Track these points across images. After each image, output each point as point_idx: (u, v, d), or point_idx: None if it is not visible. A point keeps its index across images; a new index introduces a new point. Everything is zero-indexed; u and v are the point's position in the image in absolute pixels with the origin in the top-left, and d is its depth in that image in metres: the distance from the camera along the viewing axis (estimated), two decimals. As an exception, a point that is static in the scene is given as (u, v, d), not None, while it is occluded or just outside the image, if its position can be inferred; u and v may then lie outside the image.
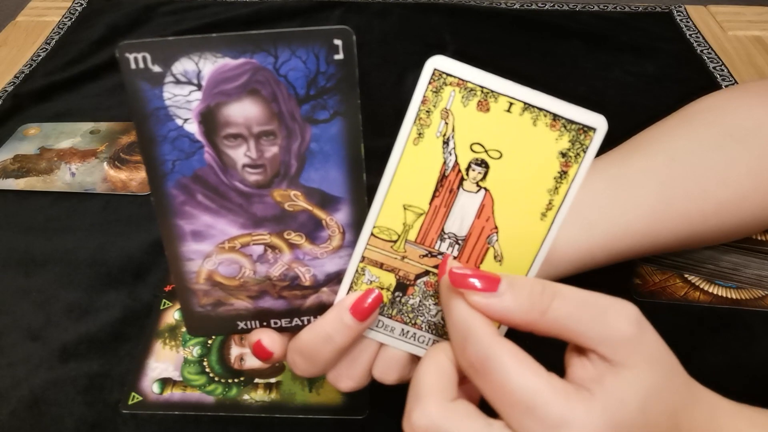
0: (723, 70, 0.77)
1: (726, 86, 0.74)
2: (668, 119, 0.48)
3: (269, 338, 0.35)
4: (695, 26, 0.85)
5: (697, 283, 0.53)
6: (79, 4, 0.93)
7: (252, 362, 0.49)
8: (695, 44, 0.82)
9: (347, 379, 0.36)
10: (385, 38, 0.84)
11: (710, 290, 0.52)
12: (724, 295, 0.52)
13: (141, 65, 0.30)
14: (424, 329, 0.35)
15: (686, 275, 0.53)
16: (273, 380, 0.47)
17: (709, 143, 0.45)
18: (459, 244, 0.33)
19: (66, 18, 0.90)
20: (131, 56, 0.30)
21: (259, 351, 0.35)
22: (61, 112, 0.74)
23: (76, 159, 0.67)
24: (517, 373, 0.28)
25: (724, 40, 0.83)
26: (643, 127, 0.48)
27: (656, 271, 0.54)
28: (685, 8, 0.89)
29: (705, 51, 0.81)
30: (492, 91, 0.31)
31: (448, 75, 0.31)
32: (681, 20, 0.87)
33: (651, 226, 0.43)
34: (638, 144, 0.46)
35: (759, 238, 0.56)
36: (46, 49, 0.84)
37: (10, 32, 0.88)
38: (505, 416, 0.28)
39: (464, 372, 0.30)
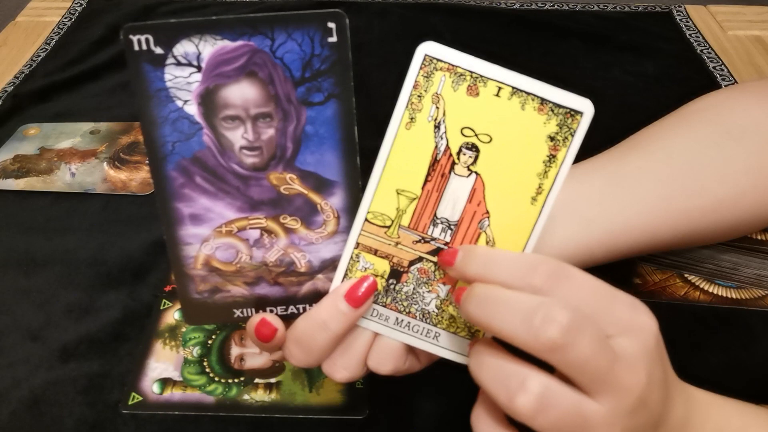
0: (723, 70, 0.77)
1: (726, 86, 0.74)
2: (666, 118, 0.48)
3: (271, 317, 0.35)
4: (695, 26, 0.86)
5: (697, 283, 0.53)
6: (79, 4, 0.93)
7: (252, 362, 0.49)
8: (695, 44, 0.82)
9: (342, 369, 0.36)
10: (385, 38, 0.84)
11: (710, 290, 0.52)
12: (724, 294, 0.52)
13: (144, 47, 0.31)
14: (418, 318, 0.35)
15: (686, 275, 0.53)
16: (273, 380, 0.47)
17: (707, 141, 0.45)
18: (451, 229, 0.34)
19: (66, 18, 0.90)
20: (135, 38, 0.31)
21: (263, 328, 0.35)
22: (61, 112, 0.74)
23: (76, 159, 0.67)
24: None
25: (724, 39, 0.83)
26: (642, 127, 0.48)
27: (656, 270, 0.54)
28: (685, 8, 0.89)
29: (705, 51, 0.81)
30: (481, 76, 0.31)
31: (438, 60, 0.31)
32: (681, 20, 0.87)
33: (650, 223, 0.43)
34: (637, 142, 0.46)
35: (758, 237, 0.56)
36: (46, 49, 0.84)
37: (10, 32, 0.88)
38: None
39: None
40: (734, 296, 0.52)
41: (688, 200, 0.43)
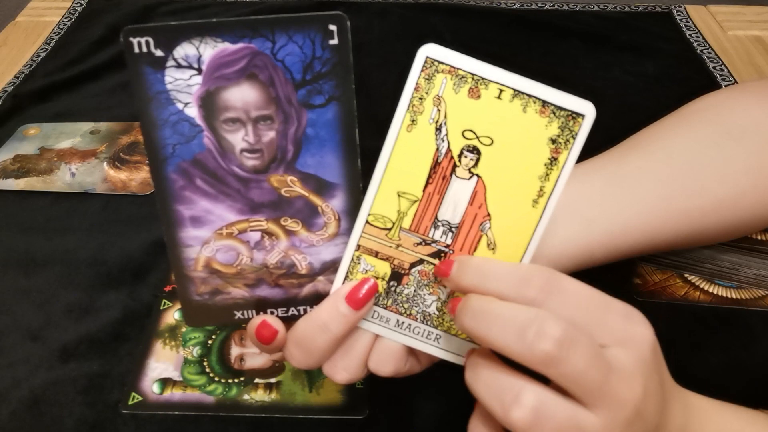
0: (723, 70, 0.77)
1: (726, 86, 0.74)
2: (666, 118, 0.48)
3: (272, 319, 0.35)
4: (695, 26, 0.86)
5: (697, 283, 0.53)
6: (79, 4, 0.93)
7: (252, 362, 0.49)
8: (695, 44, 0.82)
9: (343, 370, 0.36)
10: (385, 38, 0.84)
11: (710, 290, 0.52)
12: (724, 294, 0.52)
13: (144, 49, 0.31)
14: (419, 320, 0.35)
15: (686, 275, 0.53)
16: (273, 380, 0.47)
17: (707, 141, 0.45)
18: (452, 231, 0.34)
19: (66, 18, 0.90)
20: (135, 40, 0.31)
21: (263, 330, 0.35)
22: (61, 112, 0.74)
23: (76, 159, 0.67)
24: None
25: (724, 39, 0.83)
26: (642, 127, 0.48)
27: (656, 270, 0.54)
28: (685, 8, 0.89)
29: (705, 51, 0.81)
30: (482, 78, 0.31)
31: (440, 63, 0.31)
32: (681, 20, 0.87)
33: (650, 223, 0.43)
34: (637, 142, 0.46)
35: (758, 237, 0.56)
36: (46, 49, 0.84)
37: (10, 32, 0.88)
38: None
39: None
40: (734, 296, 0.52)
41: (688, 200, 0.43)
